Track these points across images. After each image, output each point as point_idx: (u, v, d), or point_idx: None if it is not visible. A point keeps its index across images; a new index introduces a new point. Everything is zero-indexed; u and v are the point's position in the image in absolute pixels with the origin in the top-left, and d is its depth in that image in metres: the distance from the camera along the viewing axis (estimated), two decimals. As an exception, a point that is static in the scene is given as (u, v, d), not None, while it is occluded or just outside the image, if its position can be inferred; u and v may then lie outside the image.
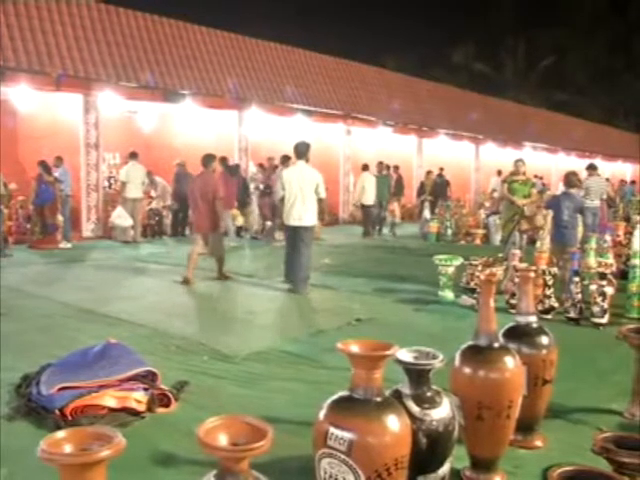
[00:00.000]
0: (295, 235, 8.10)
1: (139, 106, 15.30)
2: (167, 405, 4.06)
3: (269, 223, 14.70)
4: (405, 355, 2.75)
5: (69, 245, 12.32)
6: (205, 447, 2.03)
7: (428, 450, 2.69)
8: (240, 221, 14.54)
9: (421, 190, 18.23)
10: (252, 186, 15.40)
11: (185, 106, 15.24)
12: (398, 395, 2.71)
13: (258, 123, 17.16)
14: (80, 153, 13.86)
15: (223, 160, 13.32)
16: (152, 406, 3.97)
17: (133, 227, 13.34)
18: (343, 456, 2.36)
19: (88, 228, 14.07)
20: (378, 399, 2.41)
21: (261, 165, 15.85)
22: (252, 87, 16.76)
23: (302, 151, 8.17)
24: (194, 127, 16.64)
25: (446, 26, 45.72)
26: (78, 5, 13.68)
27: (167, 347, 5.49)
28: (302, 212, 7.97)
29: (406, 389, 2.74)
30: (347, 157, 19.66)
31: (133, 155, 13.45)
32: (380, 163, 16.50)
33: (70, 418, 3.73)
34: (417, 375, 2.72)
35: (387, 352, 2.41)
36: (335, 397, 2.50)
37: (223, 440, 2.09)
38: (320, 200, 8.15)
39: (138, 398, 3.94)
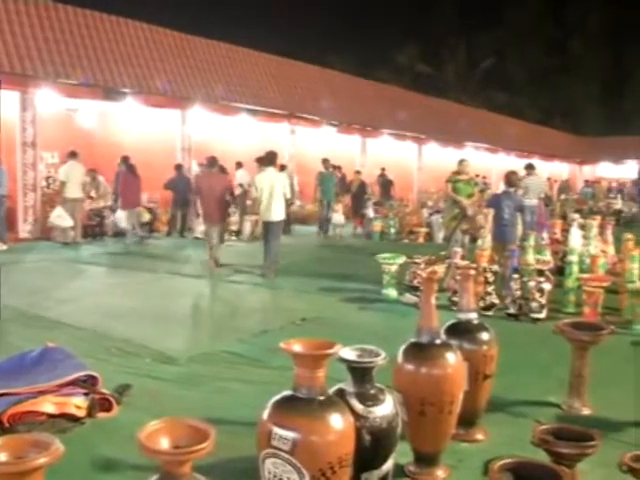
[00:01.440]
0: (267, 229, 9.43)
1: (79, 104, 14.94)
2: (108, 410, 3.98)
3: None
4: (348, 353, 2.76)
5: (4, 247, 11.95)
6: (146, 451, 2.00)
7: (372, 447, 2.71)
8: (146, 217, 14.38)
9: (347, 189, 17.86)
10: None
11: (126, 104, 14.96)
12: (342, 393, 2.72)
13: (202, 122, 16.99)
14: (16, 152, 13.45)
15: (125, 159, 13.34)
16: (92, 411, 3.88)
17: (73, 228, 13.02)
18: (287, 456, 2.36)
19: (25, 229, 13.67)
20: (321, 398, 2.42)
21: (204, 165, 15.69)
22: (195, 86, 16.57)
23: (271, 159, 9.52)
24: (136, 126, 16.34)
25: (390, 27, 46.17)
26: (14, 0, 13.28)
27: (108, 350, 5.38)
28: (272, 210, 9.22)
29: (350, 387, 2.75)
30: (292, 156, 19.64)
31: (72, 154, 13.12)
32: (325, 160, 16.05)
33: (7, 425, 3.62)
34: (360, 373, 2.74)
35: (329, 351, 2.42)
36: (278, 397, 2.49)
37: (165, 443, 2.06)
38: (287, 200, 9.57)
39: (78, 403, 3.85)
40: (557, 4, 46.22)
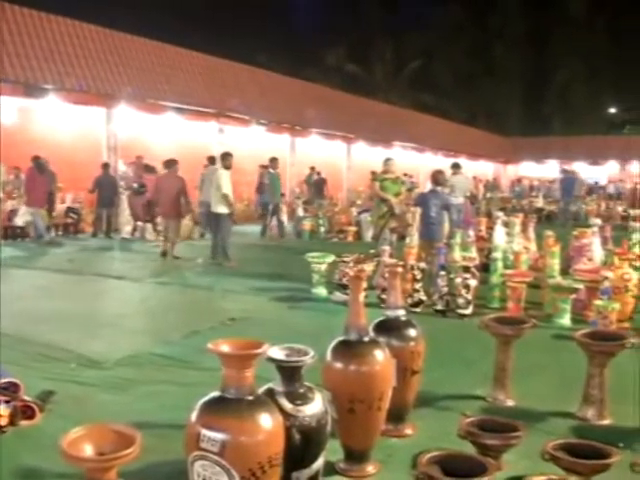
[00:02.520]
0: (214, 221, 10.78)
1: (-2, 101, 14.40)
2: (31, 417, 3.84)
3: (140, 223, 14.33)
4: (277, 353, 2.76)
5: None
6: (69, 459, 1.95)
7: (302, 446, 2.71)
8: (46, 220, 14.00)
9: (260, 188, 17.48)
10: (122, 186, 14.93)
11: (48, 102, 14.50)
12: (271, 393, 2.72)
13: (128, 120, 16.64)
14: None
15: (35, 158, 13.02)
16: (14, 419, 3.74)
17: (-9, 229, 12.57)
18: (216, 457, 2.33)
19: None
20: (250, 398, 2.41)
21: (132, 164, 15.39)
22: (121, 83, 16.20)
23: (222, 159, 10.80)
24: (59, 124, 15.87)
25: (318, 27, 46.28)
26: None
27: (31, 355, 5.20)
28: (214, 203, 10.50)
29: (279, 387, 2.75)
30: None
31: (-10, 153, 12.67)
32: (274, 159, 15.01)
33: None
34: (289, 372, 2.74)
35: (257, 351, 2.41)
36: (206, 398, 2.47)
37: (88, 450, 2.02)
38: (224, 195, 10.33)
39: (-1, 411, 3.71)
40: (481, 9, 47.45)
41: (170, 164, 11.35)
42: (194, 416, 2.42)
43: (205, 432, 2.35)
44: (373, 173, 20.55)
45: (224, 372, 2.42)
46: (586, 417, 4.01)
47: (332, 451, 3.15)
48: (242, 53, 26.32)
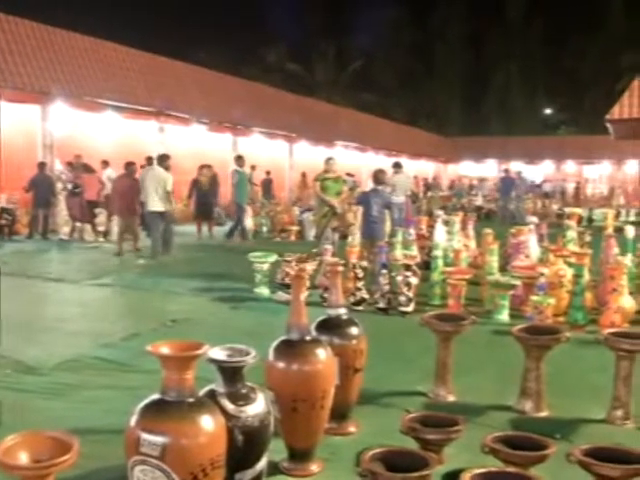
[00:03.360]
0: (155, 219, 11.20)
1: None
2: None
3: (79, 224, 14.01)
4: (218, 353, 2.73)
5: None
6: (4, 467, 1.89)
7: (245, 446, 2.70)
8: None
9: (193, 187, 16.56)
10: (59, 186, 14.56)
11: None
12: (212, 394, 2.70)
13: (64, 119, 16.23)
14: None
15: None
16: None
17: None
18: (156, 461, 2.30)
19: None
20: (191, 400, 2.38)
21: (69, 163, 15.01)
22: (57, 81, 15.79)
23: (159, 160, 11.63)
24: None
25: (259, 25, 46.10)
26: None
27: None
28: (156, 201, 10.99)
29: (220, 388, 2.72)
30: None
31: None
32: (239, 157, 14.58)
33: None
34: (231, 373, 2.72)
35: (197, 352, 2.38)
36: (146, 401, 2.43)
37: (24, 458, 1.96)
38: (168, 192, 11.07)
39: None
40: (421, 10, 48.21)
41: (129, 166, 12.15)
42: (133, 420, 2.38)
43: (145, 436, 2.31)
44: (303, 175, 20.32)
45: (164, 374, 2.39)
46: (524, 410, 4.11)
47: (276, 451, 3.15)
48: (182, 51, 26.07)
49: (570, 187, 32.83)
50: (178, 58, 21.39)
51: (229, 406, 2.67)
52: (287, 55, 44.72)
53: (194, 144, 20.45)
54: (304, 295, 3.29)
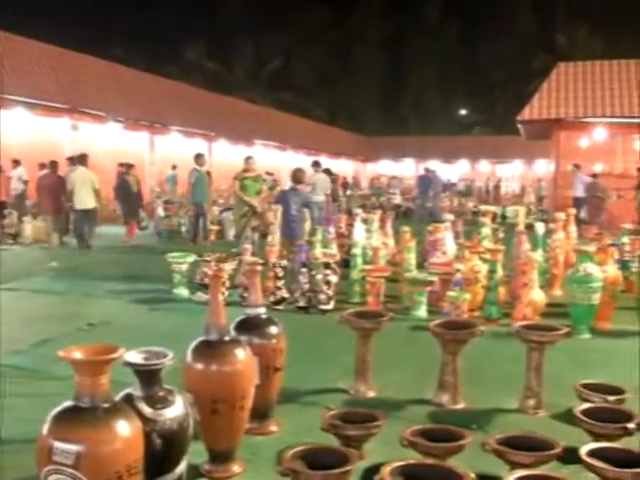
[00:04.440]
0: (81, 216, 12.42)
1: None
2: None
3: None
4: (134, 357, 2.67)
5: None
6: None
7: (163, 450, 2.65)
8: None
9: (120, 188, 15.88)
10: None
11: None
12: (129, 398, 2.63)
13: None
14: None
15: None
16: None
17: None
18: (70, 470, 2.23)
19: None
20: (106, 405, 2.32)
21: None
22: (-39, 76, 15.06)
23: (79, 159, 12.60)
24: None
25: (178, 23, 45.34)
26: None
27: None
28: (84, 198, 12.17)
29: (137, 391, 2.66)
30: (74, 153, 18.60)
31: None
32: (200, 156, 13.55)
33: None
34: (147, 376, 2.66)
35: (111, 356, 2.31)
36: (59, 409, 2.34)
37: None
38: (95, 190, 12.31)
39: None
40: (340, 11, 48.62)
41: (52, 165, 12.79)
42: (45, 428, 2.30)
43: (58, 445, 2.23)
44: (208, 173, 20.05)
45: (77, 380, 2.31)
46: (441, 402, 4.21)
47: (196, 453, 3.11)
48: (98, 47, 25.33)
49: (486, 185, 33.92)
50: (93, 54, 20.77)
51: (146, 410, 2.61)
52: (206, 53, 44.22)
53: (110, 142, 19.92)
54: (223, 295, 3.25)
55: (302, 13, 47.44)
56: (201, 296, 7.25)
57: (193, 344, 3.19)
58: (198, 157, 13.48)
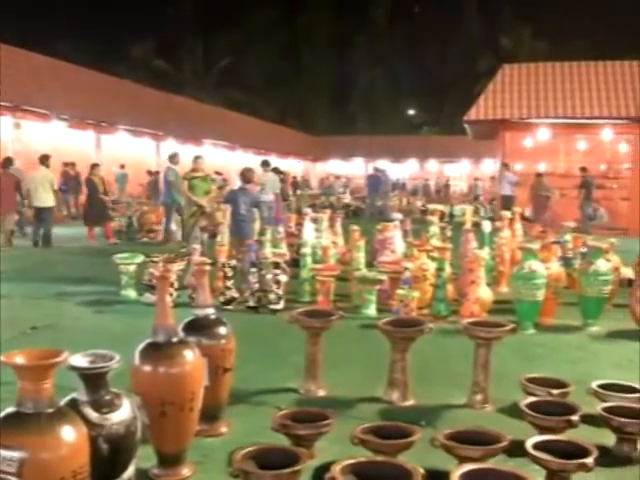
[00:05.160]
0: (41, 215, 12.63)
1: None
2: None
3: None
4: (79, 360, 2.61)
5: None
6: None
7: (110, 455, 2.60)
8: None
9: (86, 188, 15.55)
10: None
11: None
12: (74, 403, 2.57)
13: None
14: None
15: None
16: None
17: None
18: (14, 478, 2.16)
19: None
20: (50, 411, 2.26)
21: None
22: None
23: (42, 159, 12.88)
24: None
25: (125, 20, 44.46)
26: None
27: None
28: (43, 197, 12.49)
29: (83, 396, 2.60)
30: (17, 152, 18.09)
31: None
32: (174, 156, 13.16)
33: None
34: (93, 380, 2.60)
35: (54, 360, 2.26)
36: (1, 415, 2.27)
37: None
38: (54, 190, 12.80)
39: None
40: (290, 10, 48.55)
41: (6, 163, 12.86)
42: (-13, 436, 2.23)
43: (0, 452, 2.17)
44: (150, 172, 19.77)
45: (20, 385, 2.25)
46: (391, 400, 4.24)
47: (144, 457, 3.07)
48: (42, 43, 24.72)
49: (436, 184, 34.51)
50: (37, 50, 20.25)
51: (92, 414, 2.55)
52: (154, 51, 43.61)
53: (54, 141, 19.47)
54: (171, 296, 3.21)
55: (252, 12, 47.27)
56: (149, 297, 7.14)
57: (140, 346, 3.14)
58: (173, 157, 13.27)
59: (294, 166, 38.76)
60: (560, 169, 19.71)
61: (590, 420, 3.62)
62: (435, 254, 7.09)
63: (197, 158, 10.10)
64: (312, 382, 4.42)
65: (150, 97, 25.98)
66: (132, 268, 7.72)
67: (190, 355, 3.13)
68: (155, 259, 7.24)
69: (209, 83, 45.18)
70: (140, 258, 7.80)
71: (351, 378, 4.75)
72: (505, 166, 17.86)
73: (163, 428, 3.09)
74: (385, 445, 3.12)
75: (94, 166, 14.32)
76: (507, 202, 16.10)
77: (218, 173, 21.57)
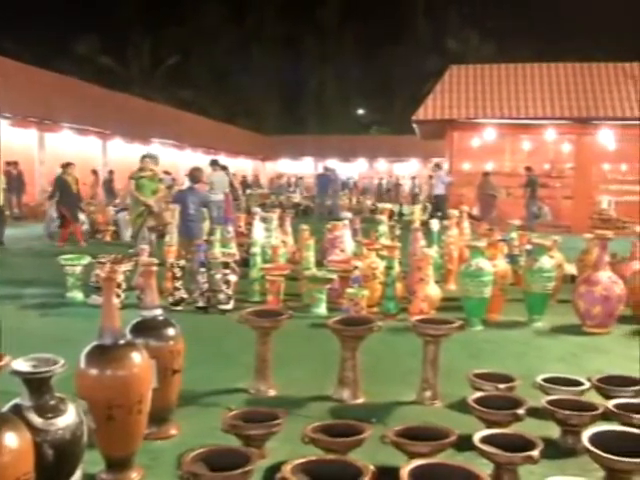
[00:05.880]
0: None
1: None
2: None
3: None
4: (21, 365, 2.54)
5: None
6: None
7: (56, 461, 2.55)
8: None
9: (57, 188, 14.96)
10: None
11: None
12: (18, 409, 2.51)
13: None
14: None
15: None
16: None
17: None
18: (-46, 487, 2.10)
19: None
20: (-9, 417, 2.20)
21: None
22: None
23: None
24: None
25: (69, 15, 43.44)
26: None
27: None
28: None
29: (26, 401, 2.54)
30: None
31: None
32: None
33: None
34: (37, 385, 2.54)
35: (-4, 364, 2.20)
36: (-60, 422, 2.21)
37: None
38: (4, 189, 12.65)
39: None
40: (239, 9, 48.32)
41: None
42: None
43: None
44: (94, 172, 19.44)
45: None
46: (342, 398, 4.26)
47: (92, 462, 3.02)
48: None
49: (387, 184, 34.82)
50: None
51: (36, 420, 2.50)
52: (99, 48, 42.77)
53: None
54: (119, 297, 3.16)
55: (200, 9, 46.84)
56: (96, 299, 7.00)
57: (86, 349, 3.08)
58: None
59: (244, 165, 38.58)
60: (506, 168, 20.14)
61: (536, 413, 3.70)
62: (384, 253, 7.14)
63: (144, 157, 9.95)
64: (262, 382, 4.40)
65: (96, 95, 25.49)
66: (78, 269, 7.57)
67: (137, 357, 3.08)
68: (102, 260, 7.11)
69: (157, 81, 44.58)
70: (86, 259, 7.65)
71: (301, 377, 4.76)
72: (437, 167, 18.55)
73: (111, 432, 3.03)
74: (335, 443, 3.14)
75: (67, 165, 13.42)
76: (440, 201, 17.01)
77: (167, 172, 21.30)
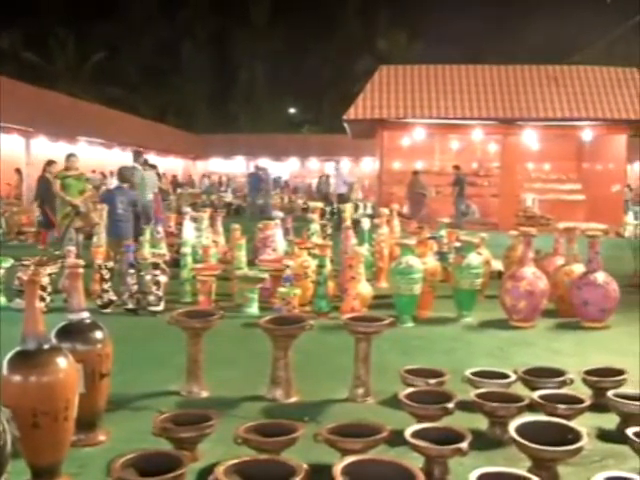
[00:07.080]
0: None
1: None
2: None
3: None
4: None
5: None
6: None
7: (-22, 472, 2.45)
8: None
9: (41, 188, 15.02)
10: None
11: None
12: None
13: None
14: None
15: None
16: None
17: None
18: None
19: None
20: None
21: None
22: None
23: None
24: None
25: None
26: None
27: None
28: None
29: (-56, 411, 2.44)
30: None
31: None
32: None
33: None
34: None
35: None
36: None
37: None
38: None
39: None
40: (169, 5, 47.50)
41: None
42: None
43: None
44: (18, 171, 18.84)
45: None
46: (275, 398, 4.26)
47: (16, 472, 2.91)
48: None
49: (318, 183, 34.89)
50: None
51: (-44, 430, 2.40)
52: (22, 42, 41.32)
53: None
54: (43, 301, 3.06)
55: (129, 5, 45.87)
56: (20, 303, 6.76)
57: (9, 355, 2.97)
58: (138, 154, 12.50)
59: (174, 164, 38.05)
60: (435, 167, 20.51)
61: (465, 406, 3.79)
62: (316, 251, 7.17)
63: (70, 156, 9.69)
64: (194, 383, 4.36)
65: (19, 91, 24.57)
66: (1, 272, 7.29)
67: (63, 362, 3.00)
68: (25, 262, 6.87)
69: (83, 78, 43.35)
70: (9, 262, 7.38)
71: (234, 378, 4.73)
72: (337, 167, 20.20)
73: (36, 440, 2.94)
74: (268, 443, 3.14)
75: (50, 163, 12.35)
76: (342, 199, 18.51)
77: (94, 172, 20.84)
